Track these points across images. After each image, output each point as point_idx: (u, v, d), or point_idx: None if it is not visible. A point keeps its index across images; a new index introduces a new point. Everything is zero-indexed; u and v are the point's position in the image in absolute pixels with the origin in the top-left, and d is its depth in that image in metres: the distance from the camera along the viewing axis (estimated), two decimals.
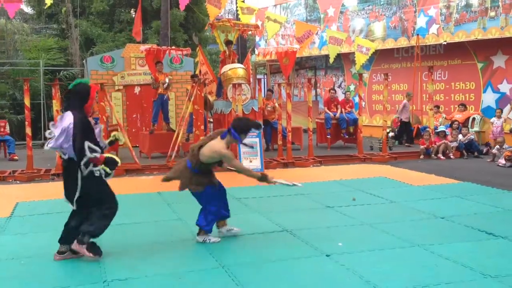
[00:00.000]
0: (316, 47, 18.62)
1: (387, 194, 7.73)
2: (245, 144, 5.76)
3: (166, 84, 12.07)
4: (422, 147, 12.01)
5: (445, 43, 14.65)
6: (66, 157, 4.53)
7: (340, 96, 16.17)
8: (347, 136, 13.89)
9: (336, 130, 13.87)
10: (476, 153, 11.99)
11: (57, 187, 8.67)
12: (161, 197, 7.75)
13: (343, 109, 13.98)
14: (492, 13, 13.38)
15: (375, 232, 5.73)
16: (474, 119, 14.10)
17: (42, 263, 4.75)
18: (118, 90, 14.20)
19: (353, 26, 17.33)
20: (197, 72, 14.00)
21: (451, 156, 11.79)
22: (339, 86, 18.61)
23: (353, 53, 13.76)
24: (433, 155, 11.81)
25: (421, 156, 11.89)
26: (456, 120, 13.12)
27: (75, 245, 4.71)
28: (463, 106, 14.24)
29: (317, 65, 19.80)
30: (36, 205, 7.38)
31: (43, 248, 5.11)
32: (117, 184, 8.81)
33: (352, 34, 16.89)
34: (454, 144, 11.97)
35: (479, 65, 14.33)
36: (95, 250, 4.74)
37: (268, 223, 6.08)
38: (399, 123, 14.62)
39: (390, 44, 16.20)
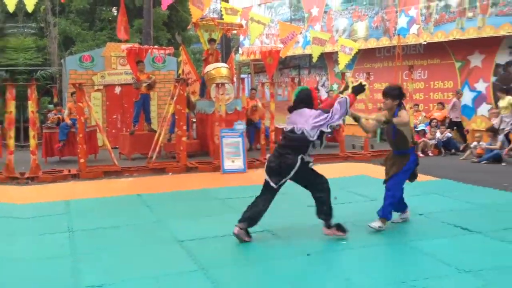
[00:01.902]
0: (300, 46, 18.75)
1: (369, 192, 7.87)
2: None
3: (147, 83, 11.95)
4: None
5: (425, 43, 14.89)
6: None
7: (324, 95, 16.34)
8: (329, 135, 14.03)
9: None
10: (453, 150, 12.24)
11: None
12: (141, 199, 7.69)
13: None
14: (470, 14, 13.64)
15: (356, 229, 5.84)
16: None
17: (11, 270, 4.63)
18: (98, 90, 14.07)
19: (336, 26, 17.50)
20: (180, 71, 13.99)
21: (430, 154, 12.04)
22: (323, 85, 18.78)
23: (337, 52, 13.91)
24: None
25: None
26: (434, 118, 13.36)
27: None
28: (441, 104, 14.49)
29: (301, 64, 19.95)
30: None
31: (13, 253, 5.07)
32: (95, 187, 8.94)
33: (336, 34, 17.06)
34: (433, 141, 12.21)
35: (457, 65, 14.60)
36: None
37: None
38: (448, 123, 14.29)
39: (372, 43, 16.41)
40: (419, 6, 14.90)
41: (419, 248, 5.13)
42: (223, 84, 11.19)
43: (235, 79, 14.45)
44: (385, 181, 5.92)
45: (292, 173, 5.30)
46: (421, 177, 9.08)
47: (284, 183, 5.44)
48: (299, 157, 5.24)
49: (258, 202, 5.49)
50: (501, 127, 11.65)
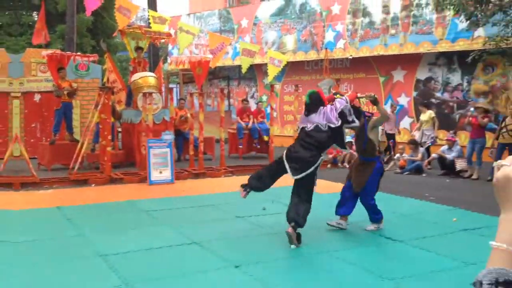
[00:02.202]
0: (230, 57, 18.77)
1: None
2: None
3: (68, 91, 11.42)
4: (329, 156, 12.46)
5: (351, 57, 15.37)
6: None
7: (253, 107, 16.40)
8: (259, 146, 14.08)
9: (248, 140, 14.02)
10: None
11: None
12: (60, 212, 7.28)
13: (255, 119, 14.18)
14: (393, 31, 14.24)
15: (284, 240, 5.81)
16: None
17: None
18: (16, 97, 13.27)
19: (265, 38, 17.69)
20: (105, 79, 13.53)
21: None
22: (252, 97, 18.88)
23: (266, 64, 14.02)
24: (339, 164, 12.29)
25: (329, 165, 12.33)
26: None
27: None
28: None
29: (230, 75, 19.96)
30: None
31: None
32: (10, 199, 8.38)
33: (265, 46, 17.23)
34: None
35: (381, 79, 15.17)
36: None
37: (176, 236, 5.98)
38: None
39: (300, 56, 16.72)
40: (345, 22, 15.38)
41: (344, 257, 5.18)
42: (150, 93, 10.94)
43: (163, 89, 14.18)
44: (355, 189, 6.32)
45: (312, 169, 5.65)
46: None
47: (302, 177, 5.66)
48: (320, 155, 5.71)
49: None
50: (423, 140, 12.18)
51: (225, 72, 20.11)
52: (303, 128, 5.92)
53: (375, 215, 6.32)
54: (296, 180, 5.77)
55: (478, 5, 9.91)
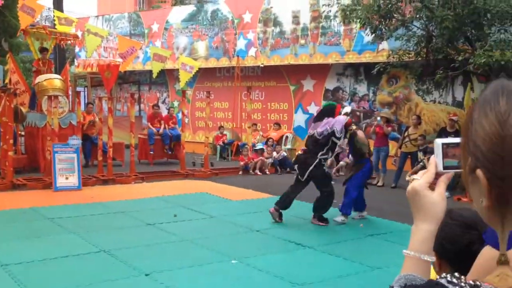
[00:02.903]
0: (140, 61, 18.36)
1: (208, 210, 7.91)
2: None
3: None
4: (241, 163, 12.58)
5: (262, 65, 15.64)
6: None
7: (164, 112, 16.19)
8: (170, 152, 13.89)
9: (159, 146, 13.79)
10: (288, 169, 12.94)
11: None
12: None
13: (166, 125, 13.99)
14: (303, 41, 14.71)
15: (195, 247, 5.80)
16: (287, 137, 15.23)
17: None
18: None
19: (177, 43, 17.53)
20: (6, 80, 12.73)
21: (267, 172, 12.57)
22: (163, 102, 18.62)
23: (177, 70, 13.89)
24: (251, 171, 12.44)
25: (240, 172, 12.44)
26: (271, 138, 14.05)
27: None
28: (278, 125, 15.31)
29: (141, 80, 19.54)
30: None
31: None
32: None
33: (177, 51, 17.07)
34: (270, 160, 12.79)
35: (292, 88, 15.60)
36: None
37: (84, 244, 5.75)
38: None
39: (212, 63, 16.75)
40: (256, 30, 15.65)
41: (254, 264, 5.24)
42: (56, 96, 10.45)
43: (70, 92, 13.57)
44: (344, 183, 7.33)
45: (310, 169, 6.87)
46: (258, 195, 9.51)
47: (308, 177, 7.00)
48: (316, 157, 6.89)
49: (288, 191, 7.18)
50: None
51: (136, 77, 19.66)
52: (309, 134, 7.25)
53: (348, 208, 7.17)
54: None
55: (382, 20, 10.45)
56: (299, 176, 7.12)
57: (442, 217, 0.99)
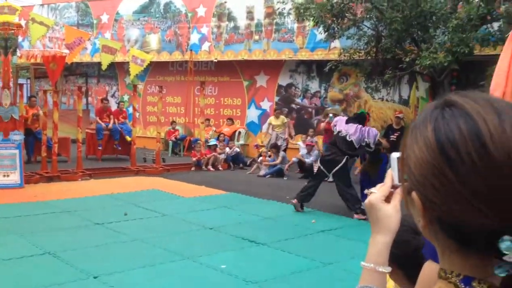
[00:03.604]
0: (88, 53, 17.74)
1: (160, 207, 7.70)
2: None
3: None
4: (193, 159, 12.37)
5: (215, 60, 15.44)
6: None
7: (114, 106, 15.71)
8: (120, 148, 13.47)
9: (109, 141, 13.35)
10: (241, 165, 12.86)
11: None
12: None
13: (116, 120, 13.56)
14: (256, 37, 14.62)
15: (147, 247, 5.60)
16: (240, 133, 15.13)
17: None
18: None
19: (128, 36, 17.04)
20: None
21: (220, 168, 12.42)
22: (113, 96, 18.07)
23: (128, 63, 13.47)
24: (203, 167, 12.25)
25: (193, 168, 12.23)
26: (223, 133, 13.90)
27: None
28: (231, 120, 15.18)
29: (89, 72, 18.89)
30: None
31: None
32: None
33: (127, 44, 16.60)
34: (223, 156, 12.64)
35: (245, 83, 15.49)
36: None
37: (27, 246, 5.43)
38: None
39: (165, 57, 16.39)
40: (210, 24, 15.42)
41: (207, 262, 5.12)
42: None
43: (11, 84, 12.90)
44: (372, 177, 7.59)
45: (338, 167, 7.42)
46: (211, 191, 9.37)
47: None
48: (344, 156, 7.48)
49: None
50: (278, 143, 12.64)
51: (83, 69, 18.99)
52: (338, 132, 7.63)
53: None
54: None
55: (335, 19, 10.56)
56: (324, 171, 7.67)
57: (397, 229, 1.05)
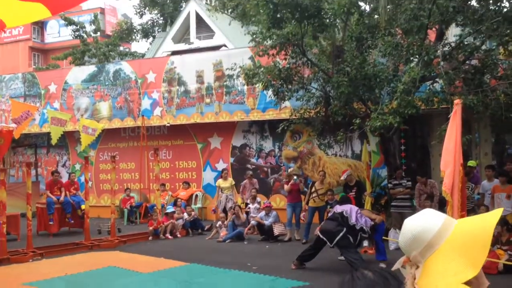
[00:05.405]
0: (37, 123, 17.36)
1: None
2: None
3: None
4: (150, 228, 12.05)
5: (168, 124, 15.41)
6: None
7: (65, 176, 15.26)
8: (72, 221, 12.99)
9: (60, 215, 12.85)
10: (200, 230, 12.61)
11: None
12: None
13: (67, 192, 13.14)
14: (208, 100, 14.75)
15: None
16: (197, 196, 14.96)
17: None
18: None
19: (77, 104, 16.81)
20: None
21: (178, 235, 12.13)
22: (64, 165, 17.61)
23: (78, 131, 13.22)
24: (161, 235, 11.93)
25: (150, 237, 11.89)
26: (179, 198, 13.68)
27: None
28: (187, 183, 15.02)
29: (38, 143, 18.39)
30: None
31: None
32: None
33: (77, 113, 16.37)
34: (181, 222, 12.36)
35: (199, 146, 15.46)
36: None
37: None
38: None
39: (116, 123, 16.21)
40: (161, 89, 15.47)
41: None
42: None
43: None
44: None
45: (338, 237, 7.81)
46: (170, 263, 9.06)
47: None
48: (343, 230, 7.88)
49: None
50: (228, 205, 12.53)
51: (32, 140, 18.48)
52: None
53: (383, 255, 8.39)
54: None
55: (283, 82, 10.82)
56: (326, 241, 7.97)
57: None
